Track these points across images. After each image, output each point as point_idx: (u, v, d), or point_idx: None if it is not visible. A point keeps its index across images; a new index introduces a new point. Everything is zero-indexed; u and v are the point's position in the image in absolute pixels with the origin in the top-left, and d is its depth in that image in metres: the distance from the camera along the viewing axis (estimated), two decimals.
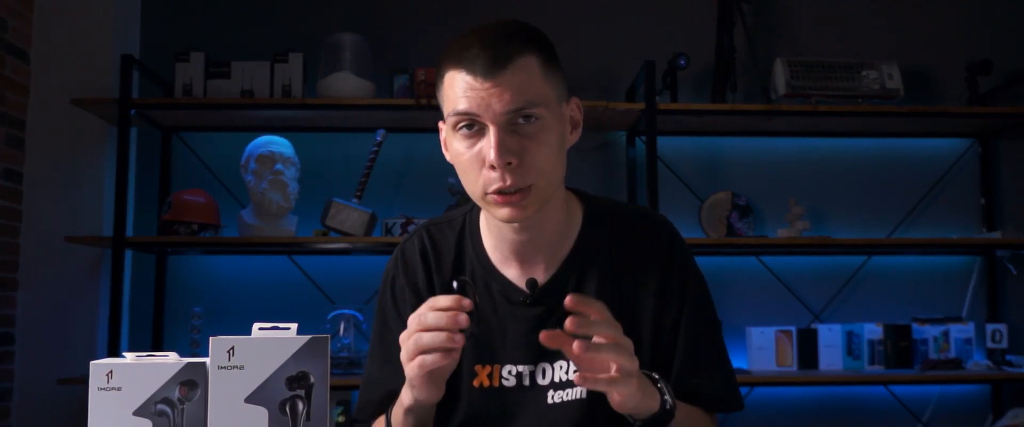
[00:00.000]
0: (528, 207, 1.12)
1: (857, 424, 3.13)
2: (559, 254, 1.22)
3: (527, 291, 1.20)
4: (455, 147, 1.13)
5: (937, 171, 3.25)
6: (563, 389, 1.19)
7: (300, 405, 0.92)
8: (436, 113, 2.86)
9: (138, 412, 0.91)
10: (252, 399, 0.91)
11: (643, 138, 2.91)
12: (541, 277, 1.21)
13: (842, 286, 3.17)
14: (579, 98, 1.22)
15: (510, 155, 1.08)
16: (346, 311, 2.88)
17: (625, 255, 1.23)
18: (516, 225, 1.17)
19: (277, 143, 2.88)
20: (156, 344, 2.99)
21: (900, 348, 2.95)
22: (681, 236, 1.27)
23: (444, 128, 1.16)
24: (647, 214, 1.29)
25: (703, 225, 3.04)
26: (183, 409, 0.92)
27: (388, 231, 2.88)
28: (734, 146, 3.24)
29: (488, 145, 1.08)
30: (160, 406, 0.91)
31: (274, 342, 0.92)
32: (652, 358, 1.21)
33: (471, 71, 1.08)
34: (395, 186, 3.10)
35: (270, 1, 3.21)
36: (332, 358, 1.75)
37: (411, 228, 2.84)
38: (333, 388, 2.02)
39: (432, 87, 2.82)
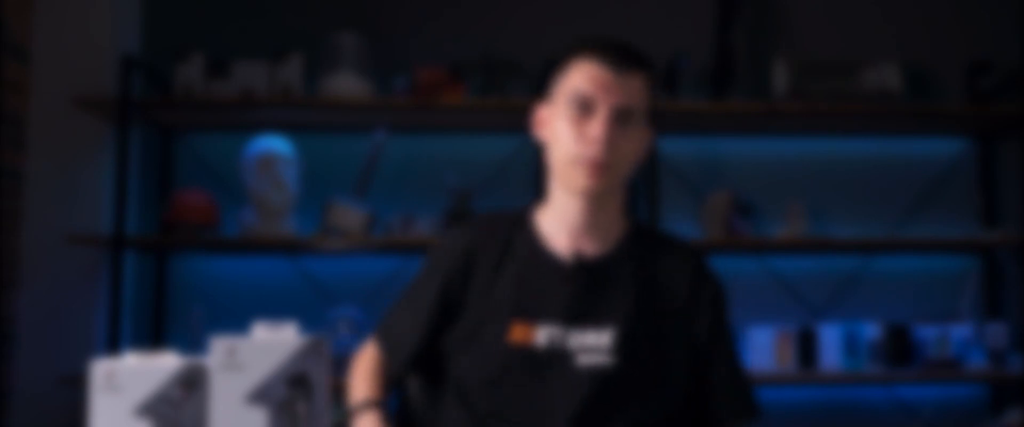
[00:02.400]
0: (603, 181, 1.34)
1: (857, 424, 3.13)
2: (606, 241, 1.42)
3: (573, 262, 1.39)
4: (559, 122, 1.36)
5: (937, 171, 3.25)
6: (591, 354, 1.34)
7: (300, 405, 0.92)
8: (436, 113, 2.88)
9: (138, 412, 0.91)
10: (252, 399, 0.92)
11: None
12: (588, 255, 1.41)
13: (842, 286, 3.17)
14: None
15: (609, 137, 1.32)
16: (346, 311, 2.88)
17: (660, 258, 1.44)
18: (581, 204, 1.37)
19: (277, 143, 2.88)
20: (156, 344, 2.99)
21: (900, 348, 2.95)
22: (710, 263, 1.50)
23: (546, 108, 1.41)
24: (683, 240, 1.52)
25: (703, 225, 3.04)
26: (183, 409, 0.92)
27: (388, 231, 2.88)
28: (734, 146, 3.24)
29: (598, 125, 1.32)
30: (160, 406, 0.91)
31: (274, 342, 0.93)
32: (679, 360, 1.41)
33: (602, 64, 1.33)
34: (395, 186, 3.10)
35: (270, 0, 3.21)
36: (332, 358, 1.75)
37: (411, 228, 2.85)
38: (333, 388, 2.01)
39: (434, 88, 2.83)
